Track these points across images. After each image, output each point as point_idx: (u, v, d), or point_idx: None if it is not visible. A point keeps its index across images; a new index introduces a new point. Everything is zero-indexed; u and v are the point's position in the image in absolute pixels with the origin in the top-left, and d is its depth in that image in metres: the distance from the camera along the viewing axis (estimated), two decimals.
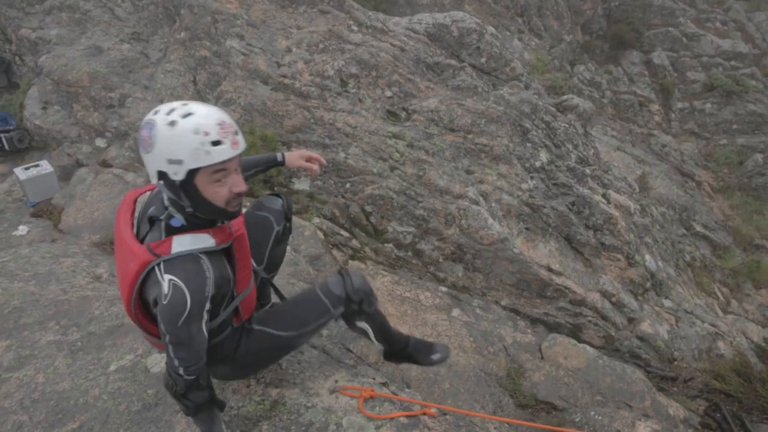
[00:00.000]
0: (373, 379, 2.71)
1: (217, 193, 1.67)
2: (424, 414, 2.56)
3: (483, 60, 5.30)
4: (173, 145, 1.57)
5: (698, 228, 7.59)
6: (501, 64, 5.34)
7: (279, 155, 2.32)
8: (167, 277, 1.65)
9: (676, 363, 4.36)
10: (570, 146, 4.88)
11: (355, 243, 4.39)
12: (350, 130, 4.63)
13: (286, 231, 2.36)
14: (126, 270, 1.74)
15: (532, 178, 4.41)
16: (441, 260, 4.28)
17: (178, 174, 1.60)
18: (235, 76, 5.05)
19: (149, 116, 1.61)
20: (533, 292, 4.15)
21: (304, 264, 3.80)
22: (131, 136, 5.40)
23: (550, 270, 4.10)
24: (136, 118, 5.40)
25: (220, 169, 1.62)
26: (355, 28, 5.29)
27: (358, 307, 2.17)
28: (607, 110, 9.70)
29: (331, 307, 2.13)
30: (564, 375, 3.59)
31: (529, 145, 4.54)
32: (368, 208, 4.44)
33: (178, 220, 1.74)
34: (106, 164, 5.30)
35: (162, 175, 1.63)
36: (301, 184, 4.64)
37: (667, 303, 4.79)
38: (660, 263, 5.12)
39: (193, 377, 1.82)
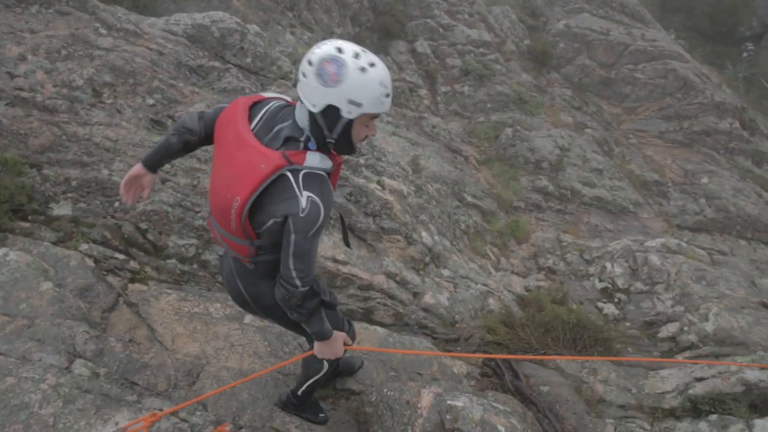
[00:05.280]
0: (160, 409, 2.59)
1: (360, 134, 1.95)
2: None
3: (248, 60, 5.25)
4: (360, 89, 1.78)
5: (469, 198, 8.55)
6: (267, 63, 5.35)
7: None
8: (306, 193, 1.86)
9: (457, 325, 4.91)
10: None
11: (133, 264, 4.08)
12: (111, 144, 4.27)
13: None
14: (252, 169, 1.87)
15: None
16: None
17: (351, 113, 1.83)
18: None
19: (331, 52, 1.78)
20: (324, 283, 4.30)
21: (73, 298, 3.43)
22: None
23: (336, 261, 4.28)
24: None
25: (375, 116, 1.91)
26: (103, 31, 4.83)
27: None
28: None
29: (344, 329, 2.56)
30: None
31: None
32: (143, 226, 4.17)
33: (314, 144, 1.94)
34: None
35: (330, 108, 1.83)
36: (61, 209, 4.16)
37: (446, 272, 5.34)
38: (436, 237, 5.68)
39: (307, 288, 2.01)
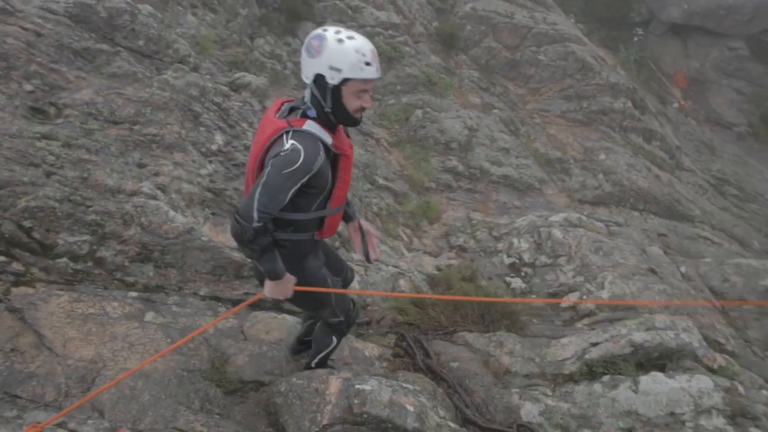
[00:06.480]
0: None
1: (352, 103, 2.24)
2: None
3: (141, 43, 4.94)
4: (338, 56, 2.12)
5: (381, 181, 8.59)
6: (162, 46, 5.06)
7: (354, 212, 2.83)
8: (291, 141, 2.17)
9: (368, 308, 4.94)
10: (245, 125, 4.96)
11: (16, 266, 3.76)
12: None
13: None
14: (262, 134, 2.29)
15: (210, 162, 4.37)
16: (127, 264, 3.98)
17: (334, 79, 2.16)
18: None
19: (318, 31, 2.19)
20: (230, 275, 4.19)
21: None
22: None
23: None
24: None
25: (363, 87, 2.21)
26: None
27: (347, 328, 3.15)
28: (290, 81, 10.11)
29: (349, 309, 3.05)
30: (268, 350, 3.73)
31: (202, 129, 4.46)
32: (27, 223, 3.84)
33: (312, 112, 2.28)
34: None
35: (318, 77, 2.19)
36: None
37: (356, 256, 5.34)
38: None
39: (261, 224, 2.18)
